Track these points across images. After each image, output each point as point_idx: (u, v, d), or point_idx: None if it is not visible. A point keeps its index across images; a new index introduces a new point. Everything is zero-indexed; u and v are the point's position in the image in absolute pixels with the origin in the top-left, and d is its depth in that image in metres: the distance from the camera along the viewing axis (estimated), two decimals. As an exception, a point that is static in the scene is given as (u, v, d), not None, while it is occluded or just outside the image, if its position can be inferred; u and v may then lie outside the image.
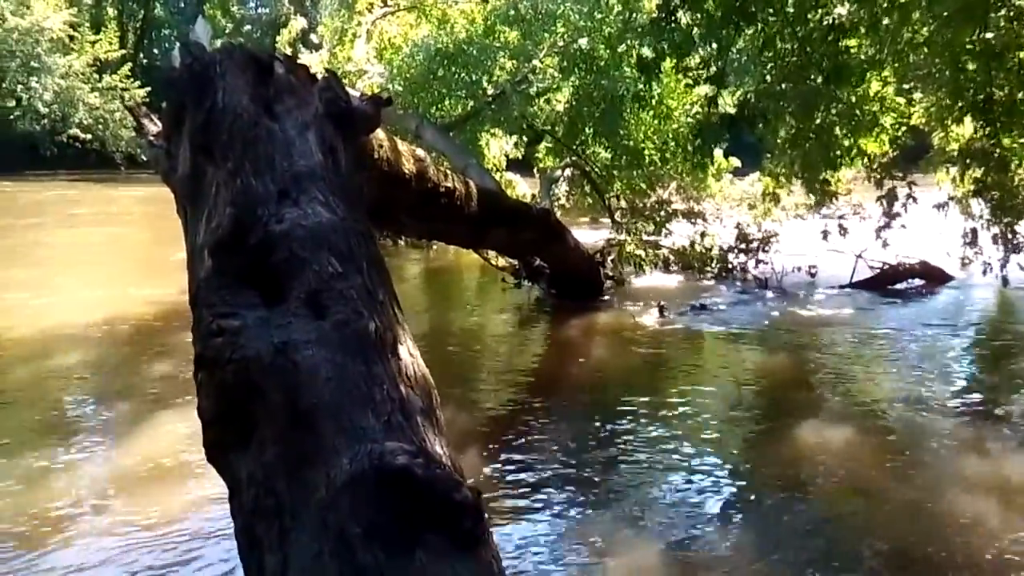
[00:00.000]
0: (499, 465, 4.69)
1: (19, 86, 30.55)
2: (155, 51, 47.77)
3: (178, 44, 3.19)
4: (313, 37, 15.18)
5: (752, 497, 4.43)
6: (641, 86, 10.36)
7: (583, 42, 10.89)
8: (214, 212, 2.68)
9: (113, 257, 12.89)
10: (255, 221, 2.52)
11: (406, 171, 4.39)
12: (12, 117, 30.58)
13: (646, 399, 5.90)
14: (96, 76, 32.82)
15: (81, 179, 26.72)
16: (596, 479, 4.61)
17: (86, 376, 6.45)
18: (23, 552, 3.67)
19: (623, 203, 11.93)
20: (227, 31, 46.98)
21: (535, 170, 13.88)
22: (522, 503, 4.22)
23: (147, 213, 19.26)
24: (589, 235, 10.62)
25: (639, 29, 9.15)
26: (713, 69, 8.11)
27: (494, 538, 1.84)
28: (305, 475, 1.86)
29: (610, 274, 9.88)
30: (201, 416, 2.21)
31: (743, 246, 10.57)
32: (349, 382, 2.01)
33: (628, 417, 5.49)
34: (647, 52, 8.40)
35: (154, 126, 3.46)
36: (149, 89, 33.12)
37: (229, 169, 2.73)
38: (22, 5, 30.67)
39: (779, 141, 8.97)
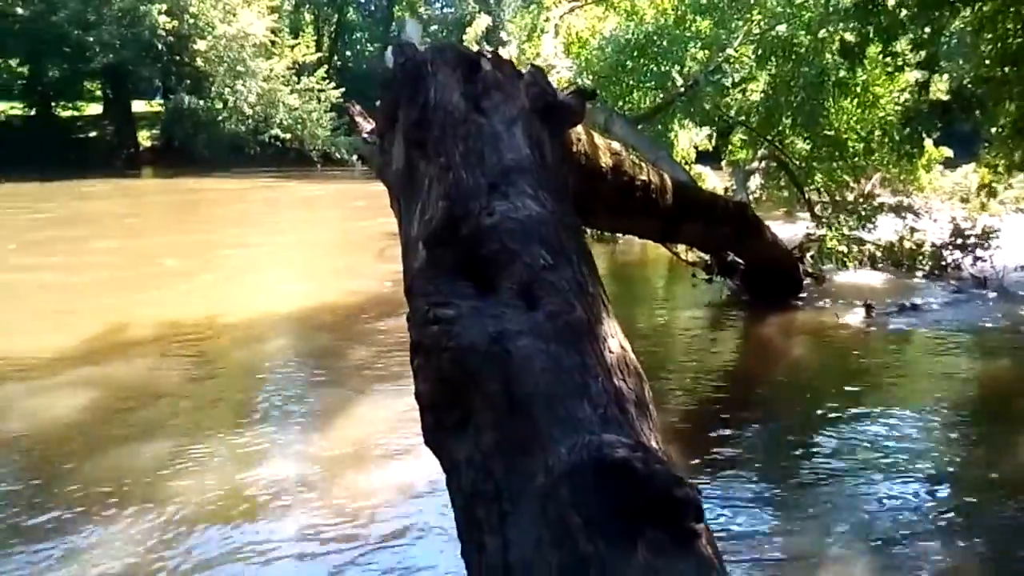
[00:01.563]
0: (696, 464, 4.65)
1: (226, 89, 33.19)
2: (348, 53, 50.47)
3: (391, 44, 3.38)
4: (503, 34, 15.53)
5: (972, 504, 4.16)
6: (844, 72, 9.94)
7: (781, 29, 10.53)
8: (427, 205, 2.82)
9: (312, 248, 13.76)
10: (467, 214, 2.63)
11: (603, 164, 4.42)
12: (220, 118, 33.26)
13: (851, 402, 5.65)
14: (295, 78, 35.15)
15: (281, 175, 28.67)
16: (794, 482, 4.48)
17: (292, 362, 6.93)
18: (229, 530, 3.98)
19: (823, 196, 11.45)
20: (400, 31, 48.82)
21: (724, 162, 13.58)
22: (717, 507, 4.16)
23: (342, 207, 20.46)
24: (785, 229, 10.26)
25: (842, 13, 8.76)
26: (923, 53, 7.64)
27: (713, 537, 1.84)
28: (523, 462, 1.92)
29: (809, 271, 9.51)
30: (419, 400, 2.34)
31: (959, 242, 9.86)
32: (564, 372, 2.06)
33: (831, 420, 5.29)
34: (850, 37, 8.04)
35: (367, 124, 3.66)
36: (343, 90, 35.14)
37: (441, 164, 2.86)
38: (229, 14, 33.26)
39: (998, 130, 8.35)
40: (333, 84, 35.77)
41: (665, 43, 10.57)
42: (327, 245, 14.06)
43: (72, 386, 6.00)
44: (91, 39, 30.60)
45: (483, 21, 15.74)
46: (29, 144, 31.30)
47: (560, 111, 3.16)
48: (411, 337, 2.43)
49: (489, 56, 3.37)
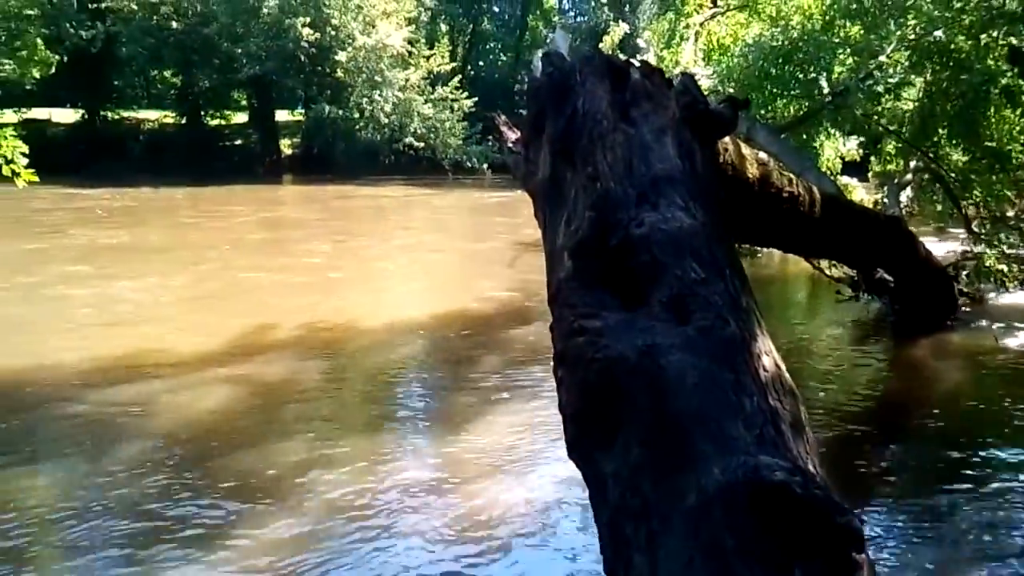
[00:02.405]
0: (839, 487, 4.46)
1: (364, 99, 34.32)
2: (480, 63, 51.31)
3: (539, 54, 3.42)
4: (639, 42, 15.46)
5: None
6: (1008, 79, 9.37)
7: (938, 33, 10.02)
8: (573, 215, 2.83)
9: (445, 255, 14.05)
10: (614, 224, 2.62)
11: (749, 175, 4.33)
12: (357, 127, 34.43)
13: (1007, 430, 5.31)
14: (429, 88, 36.00)
15: (413, 183, 29.41)
16: (950, 519, 4.24)
17: (425, 367, 7.09)
18: (362, 528, 4.10)
19: (982, 211, 10.81)
20: (548, 40, 49.25)
21: (870, 174, 13.05)
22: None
23: (473, 215, 20.80)
24: (939, 246, 9.76)
25: (1008, 16, 8.28)
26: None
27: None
28: (673, 480, 1.90)
29: (965, 290, 9.00)
30: (563, 411, 2.34)
31: None
32: (717, 390, 2.02)
33: (985, 449, 4.98)
34: (1016, 42, 7.59)
35: (512, 133, 3.71)
36: (476, 99, 35.77)
37: (588, 173, 2.87)
38: (369, 26, 34.41)
39: None
40: (466, 93, 36.45)
41: (812, 49, 10.24)
42: (459, 253, 14.32)
43: (218, 383, 6.34)
44: (239, 51, 32.32)
45: (619, 30, 15.70)
46: (180, 151, 33.37)
47: (712, 121, 3.11)
48: (555, 347, 2.44)
49: (638, 65, 3.35)
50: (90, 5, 33.91)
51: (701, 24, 11.85)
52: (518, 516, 4.19)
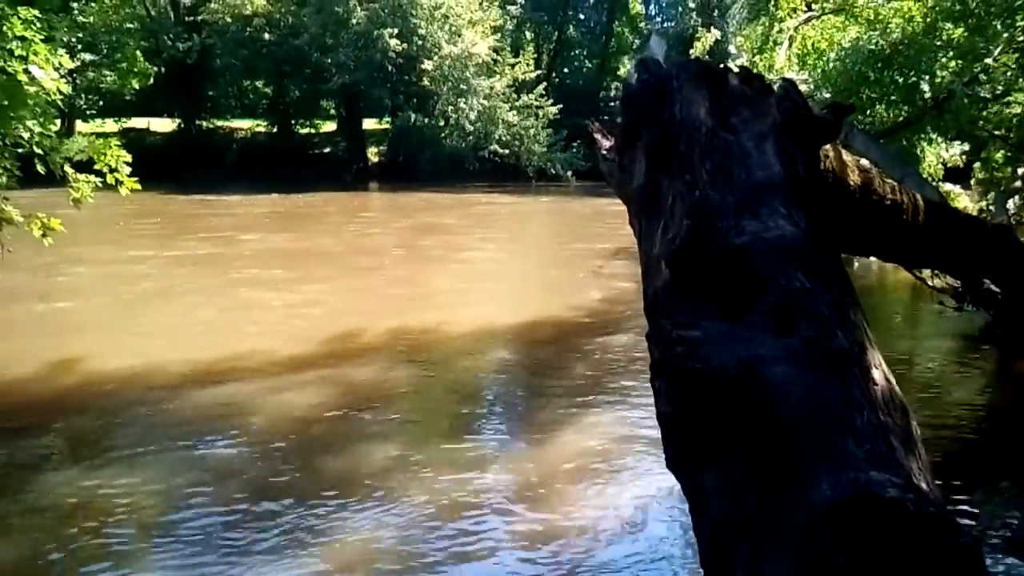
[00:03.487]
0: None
1: (449, 107, 34.75)
2: (565, 70, 51.29)
3: (634, 60, 3.41)
4: (731, 47, 15.26)
5: None
6: None
7: (1050, 34, 9.63)
8: (670, 223, 2.80)
9: (531, 262, 14.11)
10: (714, 233, 2.59)
11: (851, 182, 4.22)
12: (443, 135, 34.87)
13: None
14: (514, 96, 36.21)
15: (498, 190, 29.59)
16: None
17: (512, 374, 7.13)
18: (453, 529, 4.13)
19: (1098, 221, 10.31)
20: (635, 47, 49.02)
21: (973, 181, 12.61)
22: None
23: (558, 222, 20.81)
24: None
25: None
26: None
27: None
28: (778, 495, 1.86)
29: (1080, 305, 8.56)
30: (661, 422, 2.32)
31: None
32: (825, 403, 1.98)
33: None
34: None
35: (606, 141, 3.70)
36: (560, 106, 35.83)
37: (686, 181, 2.84)
38: (455, 35, 34.83)
39: None
40: (551, 101, 36.54)
41: (913, 53, 9.94)
42: (545, 260, 14.35)
43: (311, 385, 6.50)
44: (328, 61, 33.10)
45: (710, 35, 15.52)
46: (270, 159, 34.33)
47: (814, 127, 3.05)
48: (652, 357, 2.42)
49: (736, 71, 3.31)
50: (187, 18, 35.28)
51: (795, 28, 11.62)
52: (610, 525, 4.17)
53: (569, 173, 35.37)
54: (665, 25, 53.25)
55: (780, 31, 11.71)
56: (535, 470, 4.88)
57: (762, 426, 1.99)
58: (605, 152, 3.64)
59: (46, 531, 4.38)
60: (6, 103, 6.45)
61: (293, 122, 39.10)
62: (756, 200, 2.68)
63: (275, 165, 33.42)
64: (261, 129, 38.92)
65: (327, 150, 38.66)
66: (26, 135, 6.77)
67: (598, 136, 3.73)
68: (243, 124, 39.58)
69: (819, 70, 10.68)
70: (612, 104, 45.30)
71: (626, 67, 48.28)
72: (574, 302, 9.62)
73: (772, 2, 12.06)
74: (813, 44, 11.54)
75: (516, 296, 10.62)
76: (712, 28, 17.88)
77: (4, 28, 6.57)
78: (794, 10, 11.75)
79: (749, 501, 1.91)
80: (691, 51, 15.95)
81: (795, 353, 2.12)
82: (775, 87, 3.25)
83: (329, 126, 40.56)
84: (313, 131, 40.01)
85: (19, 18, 6.66)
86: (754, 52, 12.31)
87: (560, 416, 5.74)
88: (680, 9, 49.06)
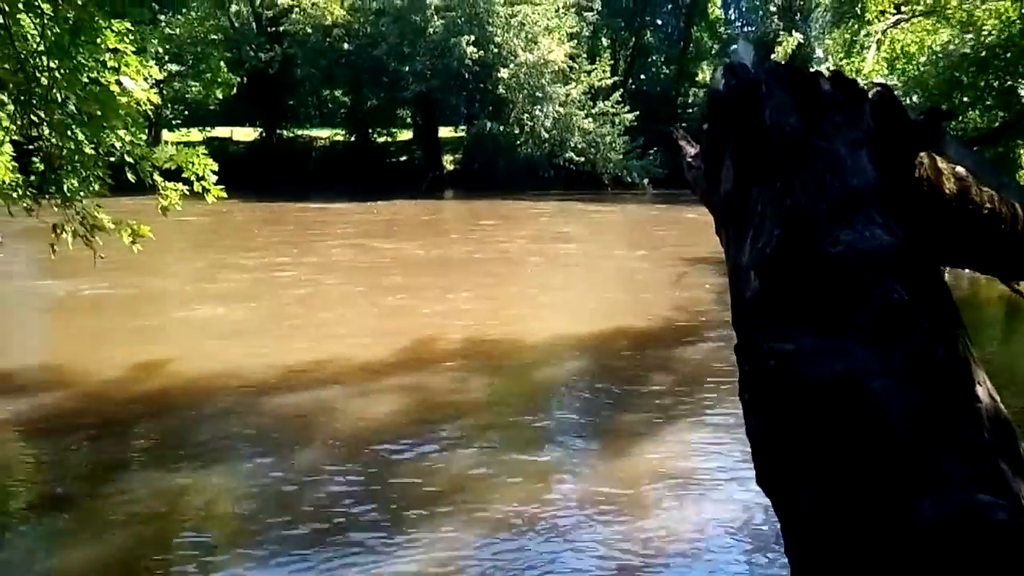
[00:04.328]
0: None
1: (525, 115, 34.89)
2: (642, 76, 51.03)
3: (720, 65, 3.36)
4: (818, 52, 14.99)
5: None
6: None
7: None
8: (760, 232, 2.74)
9: (608, 271, 14.05)
10: (807, 242, 2.53)
11: (946, 191, 4.07)
12: (517, 143, 35.01)
13: None
14: (590, 103, 36.15)
15: (573, 198, 29.56)
16: None
17: (589, 384, 7.11)
18: (533, 541, 4.11)
19: None
20: (713, 52, 48.49)
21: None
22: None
23: (635, 230, 20.67)
24: None
25: None
26: None
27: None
28: (877, 516, 1.81)
29: None
30: (751, 437, 2.27)
31: None
32: (926, 420, 1.91)
33: None
34: None
35: (691, 148, 3.66)
36: (637, 113, 35.63)
37: (777, 189, 2.77)
38: (531, 42, 34.96)
39: None
40: (627, 107, 36.37)
41: (1010, 56, 9.60)
42: (622, 268, 14.29)
43: (389, 392, 6.58)
44: (406, 69, 33.58)
45: (792, 39, 15.27)
46: (348, 167, 34.97)
47: (910, 133, 2.96)
48: (741, 370, 2.37)
49: (827, 76, 3.24)
50: (269, 29, 36.20)
51: (883, 32, 11.33)
52: (692, 539, 4.13)
53: (645, 181, 35.14)
54: (745, 29, 52.54)
55: (868, 34, 11.44)
56: (615, 480, 4.86)
57: (859, 443, 1.93)
58: (690, 160, 3.59)
59: (136, 528, 4.53)
60: (99, 113, 6.69)
61: (370, 131, 39.76)
62: (851, 209, 2.61)
63: (351, 173, 34.05)
64: (339, 138, 39.68)
65: (403, 158, 39.25)
66: (118, 144, 7.02)
67: (683, 143, 3.69)
68: (322, 133, 40.43)
69: (909, 74, 10.40)
70: (690, 110, 44.89)
71: (704, 73, 47.83)
72: (652, 311, 9.55)
73: (859, 5, 11.80)
74: (903, 48, 11.23)
75: (591, 305, 10.64)
76: (794, 32, 17.60)
77: (98, 40, 6.83)
78: (882, 13, 11.46)
79: (846, 520, 1.86)
80: (772, 55, 15.70)
81: (895, 368, 2.05)
82: (869, 92, 3.17)
83: (405, 134, 41.14)
84: (389, 139, 40.63)
85: (112, 30, 6.92)
86: (840, 56, 12.07)
87: (639, 427, 5.70)
88: (761, 13, 48.33)
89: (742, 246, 2.94)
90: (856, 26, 12.23)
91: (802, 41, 16.90)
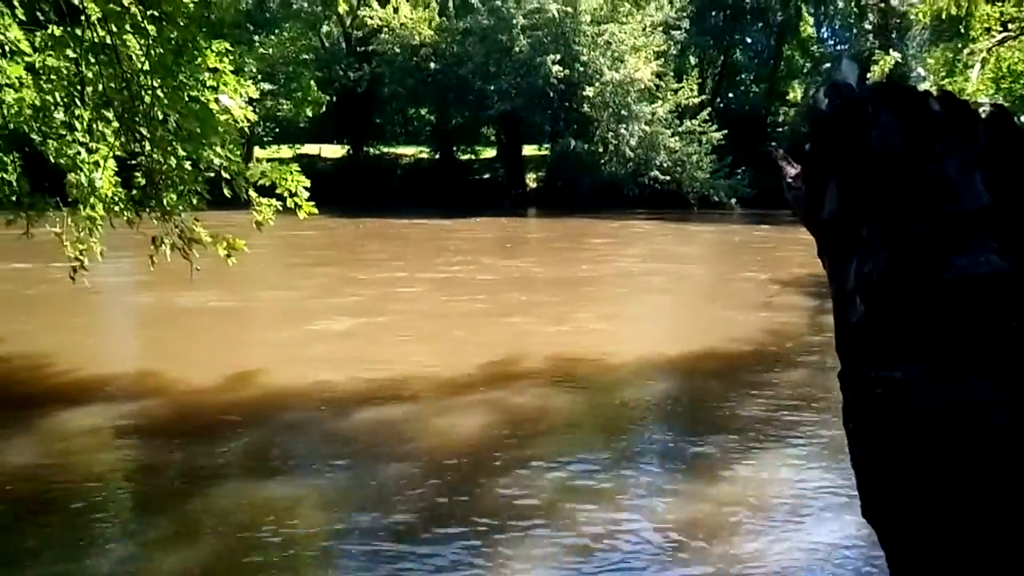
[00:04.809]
0: None
1: (609, 133, 34.87)
2: (730, 95, 50.44)
3: (823, 85, 3.29)
4: (918, 70, 14.61)
5: None
6: None
7: None
8: (867, 256, 2.68)
9: (696, 292, 13.88)
10: (916, 267, 2.46)
11: (1060, 214, 3.92)
12: (602, 161, 34.99)
13: None
14: (677, 121, 35.92)
15: (658, 218, 29.34)
16: None
17: (677, 405, 7.02)
18: (626, 564, 4.06)
19: None
20: (805, 70, 47.67)
21: None
22: None
23: (724, 251, 20.40)
24: None
25: None
26: None
27: None
28: (998, 555, 1.75)
29: None
30: (856, 467, 2.21)
31: None
32: (1050, 456, 1.84)
33: None
34: None
35: (792, 168, 3.60)
36: (725, 131, 35.25)
37: (884, 212, 2.71)
38: (617, 61, 34.97)
39: None
40: (715, 126, 36.02)
41: None
42: (711, 289, 14.11)
43: (474, 408, 6.62)
44: (491, 88, 33.95)
45: (890, 58, 14.91)
46: (431, 184, 35.51)
47: (1027, 155, 2.86)
48: (846, 398, 2.32)
49: (937, 96, 3.15)
50: (358, 49, 37.07)
51: (989, 50, 10.97)
52: (784, 570, 4.01)
53: (733, 200, 34.68)
54: (839, 48, 51.48)
55: (971, 52, 11.09)
56: (705, 507, 4.77)
57: (976, 477, 1.87)
58: (790, 180, 3.53)
59: (226, 537, 4.64)
60: (199, 130, 6.94)
61: (454, 148, 40.30)
62: (963, 233, 2.53)
63: (435, 190, 34.57)
64: (424, 155, 40.32)
65: (486, 176, 39.63)
66: (216, 160, 7.27)
67: (783, 163, 3.62)
68: (407, 150, 41.13)
69: (1016, 94, 10.04)
70: (780, 129, 44.17)
71: (796, 91, 47.00)
72: (741, 334, 9.38)
73: (962, 23, 11.46)
74: (1009, 66, 10.84)
75: (679, 326, 10.54)
76: (891, 51, 17.18)
77: (199, 60, 7.10)
78: (988, 30, 11.09)
79: (963, 560, 1.80)
80: (868, 74, 15.35)
81: (1012, 398, 1.98)
82: (981, 111, 3.08)
83: (489, 152, 41.55)
84: (473, 157, 41.10)
85: (212, 51, 7.18)
86: (942, 75, 11.73)
87: (729, 453, 5.59)
88: (855, 31, 47.29)
89: (847, 270, 2.88)
90: (959, 44, 11.88)
91: (899, 60, 16.46)
